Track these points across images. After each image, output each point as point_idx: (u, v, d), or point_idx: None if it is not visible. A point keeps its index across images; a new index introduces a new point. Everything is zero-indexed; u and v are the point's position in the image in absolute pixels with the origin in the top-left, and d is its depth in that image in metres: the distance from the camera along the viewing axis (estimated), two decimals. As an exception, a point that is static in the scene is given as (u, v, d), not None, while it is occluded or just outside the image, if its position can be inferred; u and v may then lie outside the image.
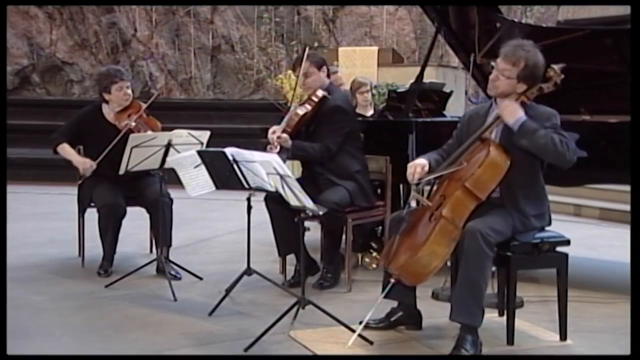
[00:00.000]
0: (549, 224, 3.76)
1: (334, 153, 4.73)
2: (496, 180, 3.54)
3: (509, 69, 3.60)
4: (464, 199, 3.53)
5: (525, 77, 3.59)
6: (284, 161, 3.75)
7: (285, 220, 4.49)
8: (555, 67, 3.62)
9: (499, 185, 3.57)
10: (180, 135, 4.70)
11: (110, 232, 4.99)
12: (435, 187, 3.91)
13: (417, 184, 3.74)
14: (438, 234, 3.48)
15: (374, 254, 5.29)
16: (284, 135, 4.65)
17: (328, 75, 4.89)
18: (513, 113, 3.53)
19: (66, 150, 5.13)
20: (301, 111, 4.73)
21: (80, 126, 5.20)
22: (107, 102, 5.17)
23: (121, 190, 5.02)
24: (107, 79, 5.10)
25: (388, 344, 3.73)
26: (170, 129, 4.87)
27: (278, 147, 4.61)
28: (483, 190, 3.53)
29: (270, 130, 4.71)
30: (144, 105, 5.12)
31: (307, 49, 4.92)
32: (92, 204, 5.10)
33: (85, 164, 5.01)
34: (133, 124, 4.97)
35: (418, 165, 3.73)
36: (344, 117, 4.79)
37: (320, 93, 4.76)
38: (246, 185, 4.02)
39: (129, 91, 5.14)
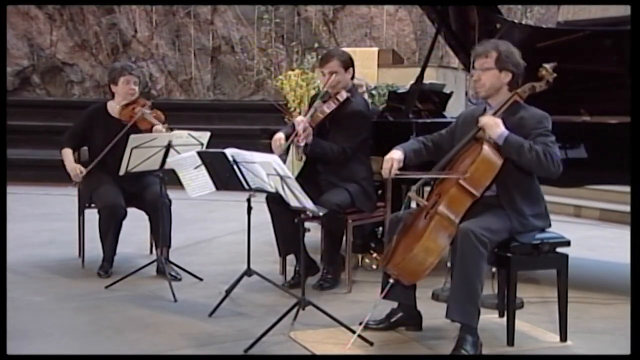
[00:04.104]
0: (549, 225, 3.76)
1: (349, 157, 4.73)
2: (490, 177, 3.56)
3: (484, 61, 3.68)
4: (459, 196, 3.54)
5: (503, 64, 3.65)
6: (284, 161, 3.74)
7: (286, 220, 4.48)
8: (547, 66, 3.65)
9: (493, 182, 3.59)
10: (180, 136, 4.70)
11: (110, 233, 5.00)
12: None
13: (411, 184, 3.75)
14: (433, 231, 3.49)
15: (374, 254, 5.29)
16: (310, 129, 4.62)
17: (352, 77, 4.87)
18: (494, 128, 3.56)
19: (65, 155, 5.23)
20: (328, 109, 4.70)
21: (85, 127, 5.26)
22: (113, 95, 5.26)
23: (121, 190, 5.02)
24: (117, 72, 5.24)
25: (388, 345, 3.73)
26: (171, 130, 4.89)
27: (304, 142, 4.58)
28: (477, 187, 3.54)
29: (299, 119, 4.65)
30: (148, 102, 5.22)
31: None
32: (92, 204, 5.11)
33: (74, 171, 5.09)
34: (139, 112, 5.05)
35: (395, 161, 3.76)
36: (364, 123, 4.79)
37: (344, 94, 4.74)
38: (246, 186, 4.02)
39: (135, 87, 5.22)
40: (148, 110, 5.12)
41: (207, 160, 4.15)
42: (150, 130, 5.01)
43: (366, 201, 4.79)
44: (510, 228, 3.60)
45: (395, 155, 3.79)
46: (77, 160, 5.34)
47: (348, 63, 4.77)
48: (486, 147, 3.56)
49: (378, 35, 11.68)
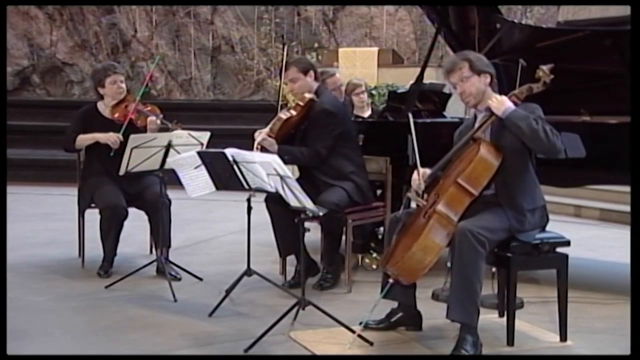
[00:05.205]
0: (547, 221, 3.76)
1: (325, 156, 4.74)
2: (487, 176, 3.58)
3: (459, 73, 3.73)
4: (457, 195, 3.56)
5: (478, 68, 3.73)
6: (284, 162, 3.75)
7: (285, 221, 4.49)
8: (544, 67, 3.66)
9: (491, 181, 3.60)
10: (180, 136, 4.70)
11: (112, 234, 5.00)
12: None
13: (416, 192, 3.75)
14: (432, 229, 3.51)
15: (374, 254, 5.29)
16: (269, 139, 4.66)
17: (316, 79, 4.90)
18: (501, 104, 3.60)
19: (85, 137, 5.11)
20: (284, 115, 4.78)
21: (82, 124, 5.21)
22: (102, 97, 5.22)
23: (122, 190, 5.02)
24: (101, 73, 5.19)
25: (388, 345, 3.73)
26: (167, 128, 4.91)
27: (258, 150, 4.61)
28: (476, 186, 3.56)
29: (257, 132, 4.73)
30: (139, 95, 5.18)
31: (285, 52, 5.28)
32: (93, 205, 5.11)
33: (112, 137, 4.99)
34: (132, 113, 5.02)
35: (420, 171, 3.77)
36: (332, 120, 4.78)
37: (307, 96, 4.78)
38: (246, 186, 4.03)
39: (123, 85, 5.19)
40: (141, 106, 5.12)
41: (207, 160, 4.16)
42: (146, 125, 5.01)
43: (362, 195, 4.79)
44: (508, 227, 3.60)
45: (422, 169, 3.82)
46: (78, 160, 5.34)
47: (306, 67, 4.83)
48: (483, 147, 3.59)
49: (378, 35, 11.68)
